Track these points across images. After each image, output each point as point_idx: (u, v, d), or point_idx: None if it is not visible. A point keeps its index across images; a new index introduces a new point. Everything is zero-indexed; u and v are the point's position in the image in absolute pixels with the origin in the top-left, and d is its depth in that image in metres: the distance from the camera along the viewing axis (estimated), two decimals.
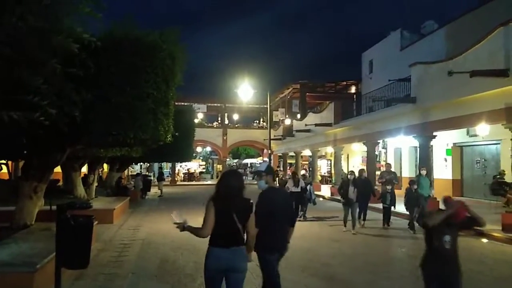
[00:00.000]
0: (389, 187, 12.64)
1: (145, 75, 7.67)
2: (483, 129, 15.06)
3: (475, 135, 17.52)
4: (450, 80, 12.26)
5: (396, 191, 13.07)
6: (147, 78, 7.69)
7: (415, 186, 11.69)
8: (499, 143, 17.11)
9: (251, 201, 4.20)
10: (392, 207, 12.87)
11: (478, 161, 19.22)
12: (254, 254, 4.46)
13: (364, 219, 12.65)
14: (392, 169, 14.68)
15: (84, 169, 16.40)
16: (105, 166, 22.03)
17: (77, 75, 5.74)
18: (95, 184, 16.83)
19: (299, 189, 13.84)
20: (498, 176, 15.39)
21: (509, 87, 10.66)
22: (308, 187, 14.52)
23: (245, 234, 4.11)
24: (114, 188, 19.63)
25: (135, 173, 31.71)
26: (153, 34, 7.96)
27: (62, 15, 4.86)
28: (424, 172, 12.78)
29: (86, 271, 6.95)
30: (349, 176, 12.06)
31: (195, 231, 4.02)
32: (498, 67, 10.77)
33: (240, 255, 4.01)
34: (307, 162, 38.14)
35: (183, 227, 4.03)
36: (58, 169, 11.84)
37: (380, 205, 13.03)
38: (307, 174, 17.95)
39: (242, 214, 4.02)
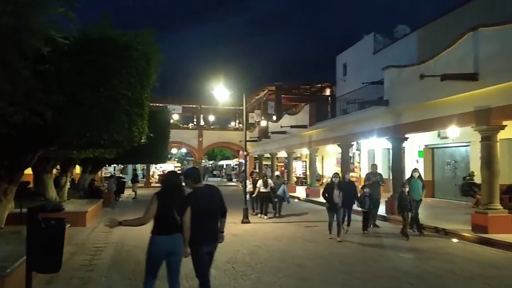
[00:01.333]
0: (367, 190, 12.13)
1: (119, 76, 7.57)
2: (453, 131, 15.49)
3: (446, 137, 17.97)
4: (422, 84, 12.52)
5: (386, 194, 13.07)
6: (121, 79, 7.59)
7: (407, 189, 11.15)
8: (468, 145, 17.59)
9: (188, 198, 4.97)
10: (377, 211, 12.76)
11: (448, 163, 19.71)
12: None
13: (349, 225, 11.88)
14: (379, 171, 14.17)
15: (56, 170, 16.06)
16: (78, 167, 21.61)
17: (48, 76, 5.63)
18: (67, 186, 16.51)
19: (268, 189, 15.27)
20: (467, 178, 15.84)
21: (478, 90, 10.96)
22: (282, 187, 15.58)
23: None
24: (87, 190, 19.29)
25: (108, 175, 31.24)
26: (127, 35, 7.87)
27: (34, 15, 4.77)
28: (416, 174, 12.23)
29: (58, 275, 6.82)
30: (333, 179, 11.04)
31: (134, 222, 4.83)
32: (467, 71, 11.06)
33: (178, 241, 4.83)
34: (282, 164, 38.33)
35: (118, 222, 4.74)
36: (28, 170, 11.56)
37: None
38: (280, 175, 18.49)
39: (180, 208, 4.83)
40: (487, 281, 6.92)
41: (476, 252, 9.41)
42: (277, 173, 19.90)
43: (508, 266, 8.05)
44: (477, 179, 14.14)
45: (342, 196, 10.80)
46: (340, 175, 11.73)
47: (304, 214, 16.58)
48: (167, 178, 5.15)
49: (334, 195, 10.65)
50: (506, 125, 11.10)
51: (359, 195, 12.20)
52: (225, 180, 48.99)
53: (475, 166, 15.11)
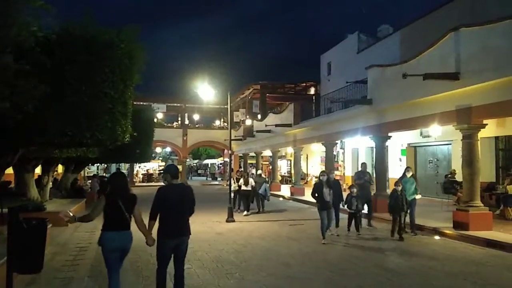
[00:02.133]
0: (354, 189, 11.60)
1: (101, 74, 7.52)
2: (435, 130, 15.70)
3: (428, 136, 18.21)
4: (405, 83, 12.64)
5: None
6: (104, 77, 7.55)
7: (400, 188, 10.76)
8: (450, 144, 17.84)
9: (135, 195, 5.38)
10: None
11: (430, 161, 19.97)
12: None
13: (337, 225, 11.46)
14: (368, 169, 13.92)
15: (38, 170, 15.82)
16: (60, 167, 21.33)
17: (29, 70, 5.55)
18: (50, 185, 16.29)
19: (249, 188, 16.01)
20: (449, 175, 16.06)
21: (460, 90, 11.11)
22: (263, 185, 16.57)
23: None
24: (70, 190, 19.06)
25: (91, 175, 30.91)
26: (110, 32, 7.81)
27: (14, 9, 4.70)
28: (409, 174, 11.68)
29: (40, 276, 6.74)
30: (321, 178, 10.63)
31: (85, 218, 5.32)
32: (449, 71, 11.20)
33: (128, 237, 5.19)
34: (267, 163, 38.38)
35: (74, 218, 5.34)
36: (9, 170, 11.38)
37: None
38: (262, 174, 19.28)
39: (128, 205, 5.16)
40: (467, 277, 7.05)
41: (457, 249, 9.56)
42: (259, 172, 20.14)
43: (488, 263, 8.19)
44: (459, 177, 14.38)
45: (332, 194, 10.57)
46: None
47: (288, 213, 16.62)
48: (114, 178, 5.54)
49: (324, 193, 10.31)
50: (486, 124, 11.29)
51: (344, 195, 11.94)
52: (210, 179, 48.90)
53: (457, 164, 15.36)
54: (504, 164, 16.25)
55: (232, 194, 15.89)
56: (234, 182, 16.47)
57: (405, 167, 12.42)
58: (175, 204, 5.39)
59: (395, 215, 10.65)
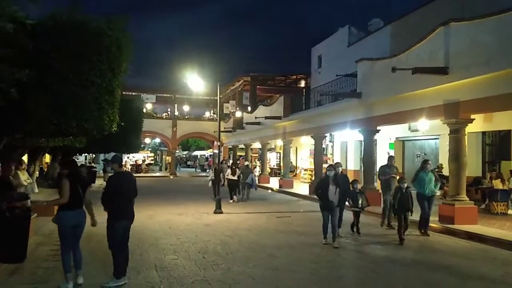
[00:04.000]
0: (357, 185, 10.69)
1: (89, 62, 7.41)
2: (423, 124, 15.80)
3: (416, 130, 18.31)
4: (394, 77, 12.67)
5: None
6: (91, 65, 7.44)
7: (406, 185, 9.61)
8: (438, 138, 17.96)
9: (86, 179, 6.47)
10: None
11: (418, 155, 20.10)
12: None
13: (339, 226, 9.61)
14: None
15: (25, 159, 15.63)
16: (48, 156, 21.13)
17: (13, 56, 5.46)
18: (36, 175, 16.13)
19: (235, 177, 17.11)
20: (436, 170, 16.17)
21: (448, 84, 11.16)
22: (250, 176, 17.67)
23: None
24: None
25: (79, 164, 30.69)
26: (99, 21, 7.70)
27: None
28: (429, 167, 10.40)
29: (24, 265, 6.70)
30: (328, 173, 9.26)
31: (56, 201, 5.86)
32: (438, 65, 11.24)
33: (83, 215, 5.97)
34: (257, 155, 38.40)
35: (42, 203, 6.37)
36: None
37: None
38: (249, 165, 20.43)
39: (83, 187, 5.97)
40: (451, 271, 7.13)
41: (442, 242, 9.65)
42: (246, 163, 20.56)
43: (471, 256, 8.29)
44: (445, 171, 14.50)
45: (339, 193, 9.13)
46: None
47: (276, 205, 16.67)
48: (71, 164, 6.32)
49: (329, 191, 8.96)
50: (474, 119, 11.38)
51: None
52: (199, 170, 48.79)
53: (444, 159, 15.47)
54: (490, 159, 16.44)
55: (210, 183, 17.65)
56: (212, 172, 17.75)
57: (423, 159, 10.67)
58: (123, 190, 6.10)
59: (400, 215, 9.49)
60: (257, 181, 20.85)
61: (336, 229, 9.08)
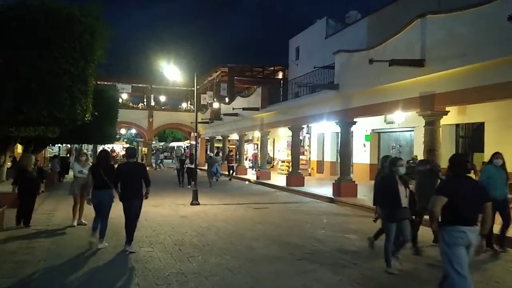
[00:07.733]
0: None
1: (60, 49, 7.18)
2: (399, 116, 15.96)
3: (392, 122, 18.52)
4: (371, 68, 12.73)
5: (332, 177, 12.93)
6: (62, 52, 7.21)
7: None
8: (413, 130, 18.19)
9: (115, 166, 8.10)
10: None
11: (393, 147, 20.37)
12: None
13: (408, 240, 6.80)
14: (328, 155, 11.40)
15: None
16: (20, 147, 20.55)
17: None
18: (7, 166, 15.67)
19: (192, 166, 17.89)
20: (411, 161, 16.38)
21: (424, 76, 11.27)
22: (215, 165, 21.42)
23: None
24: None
25: (52, 155, 29.99)
26: (71, 7, 7.47)
27: None
28: (499, 162, 7.76)
29: None
30: (394, 168, 6.60)
31: (89, 187, 7.94)
32: (414, 57, 11.33)
33: (107, 194, 7.69)
34: (234, 146, 38.27)
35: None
36: None
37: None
38: (213, 155, 23.17)
39: (106, 172, 7.66)
40: (427, 261, 7.21)
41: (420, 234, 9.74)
42: (210, 154, 22.85)
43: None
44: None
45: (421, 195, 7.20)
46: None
47: (254, 196, 16.64)
48: (99, 154, 8.25)
49: (400, 193, 6.42)
50: (449, 111, 11.54)
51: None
52: (176, 162, 48.31)
53: (419, 150, 15.66)
54: (463, 151, 16.72)
55: (176, 172, 20.69)
56: (177, 162, 21.21)
57: (494, 152, 7.92)
58: (129, 176, 7.43)
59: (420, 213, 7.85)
60: (221, 171, 23.62)
61: (407, 240, 6.64)
